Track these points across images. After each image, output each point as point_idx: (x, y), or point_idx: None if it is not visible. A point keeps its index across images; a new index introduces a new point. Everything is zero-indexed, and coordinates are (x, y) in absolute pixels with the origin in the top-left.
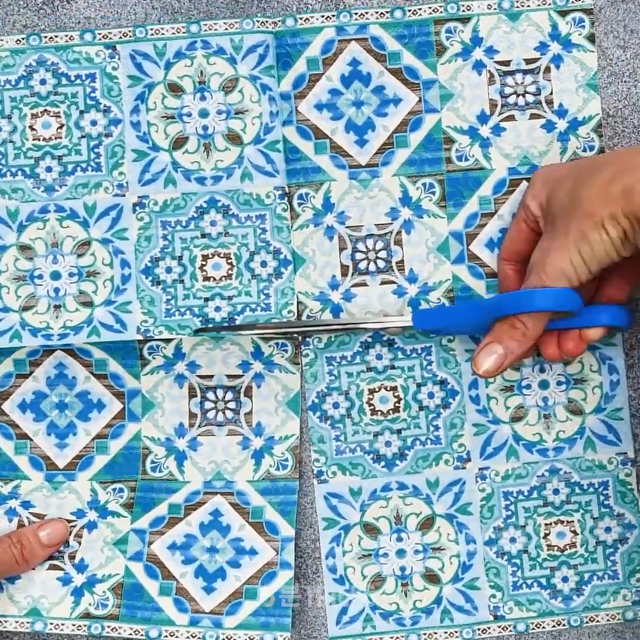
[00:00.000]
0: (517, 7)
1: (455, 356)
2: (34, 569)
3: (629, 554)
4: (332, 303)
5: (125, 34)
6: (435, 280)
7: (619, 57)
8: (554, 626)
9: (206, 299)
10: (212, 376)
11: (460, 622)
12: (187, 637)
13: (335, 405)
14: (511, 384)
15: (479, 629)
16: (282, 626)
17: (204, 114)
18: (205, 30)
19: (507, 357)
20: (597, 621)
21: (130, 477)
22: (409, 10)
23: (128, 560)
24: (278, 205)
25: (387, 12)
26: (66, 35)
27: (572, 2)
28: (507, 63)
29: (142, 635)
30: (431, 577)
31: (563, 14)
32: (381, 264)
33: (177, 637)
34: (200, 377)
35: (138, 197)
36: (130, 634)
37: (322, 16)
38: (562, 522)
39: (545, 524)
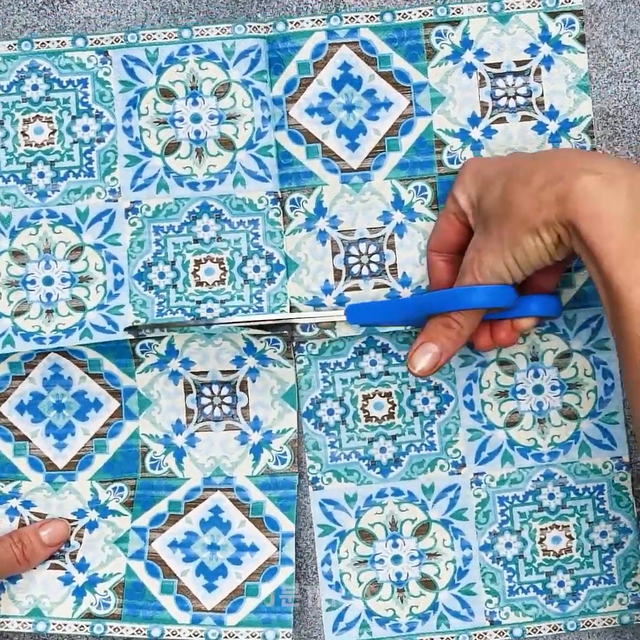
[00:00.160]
0: (507, 9)
1: (449, 362)
2: (35, 568)
3: (624, 558)
4: (325, 308)
5: (117, 40)
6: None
7: (619, 57)
8: (550, 631)
9: (199, 302)
10: (206, 372)
11: (456, 628)
12: (190, 636)
13: (330, 412)
14: (506, 389)
15: (475, 635)
16: (284, 622)
17: (196, 119)
18: (197, 35)
19: (442, 356)
20: (594, 626)
21: (130, 475)
22: (399, 14)
23: (129, 559)
24: (271, 210)
25: (377, 15)
26: (58, 41)
27: (562, 3)
28: (497, 65)
29: (144, 634)
30: (427, 583)
31: (553, 15)
32: (374, 268)
33: (179, 636)
34: (195, 373)
35: (130, 202)
36: (133, 634)
37: (313, 20)
38: (557, 526)
39: (541, 529)
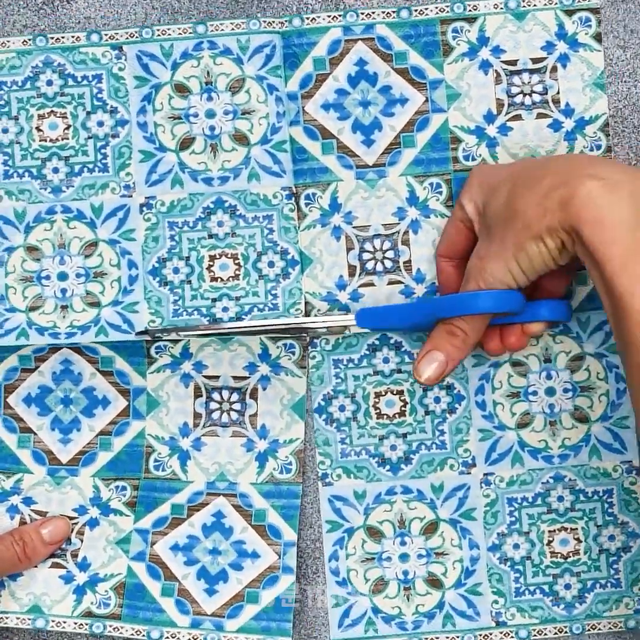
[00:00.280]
0: (524, 6)
1: (461, 361)
2: (36, 566)
3: (632, 562)
4: (339, 303)
5: (131, 35)
6: None
7: (619, 57)
8: (555, 633)
9: (214, 300)
10: (218, 377)
11: (462, 628)
12: (189, 639)
13: (341, 408)
14: (517, 391)
15: (480, 635)
16: (284, 631)
17: (210, 114)
18: (212, 30)
19: (448, 364)
20: (599, 629)
21: (133, 474)
22: (416, 10)
23: (130, 560)
24: (285, 206)
25: (393, 11)
26: (73, 36)
27: (579, 1)
28: (513, 62)
29: (143, 635)
30: (434, 582)
31: (569, 13)
32: (388, 264)
33: (178, 638)
34: (207, 377)
35: (145, 197)
36: (132, 634)
37: (329, 16)
38: (565, 529)
39: (549, 531)
